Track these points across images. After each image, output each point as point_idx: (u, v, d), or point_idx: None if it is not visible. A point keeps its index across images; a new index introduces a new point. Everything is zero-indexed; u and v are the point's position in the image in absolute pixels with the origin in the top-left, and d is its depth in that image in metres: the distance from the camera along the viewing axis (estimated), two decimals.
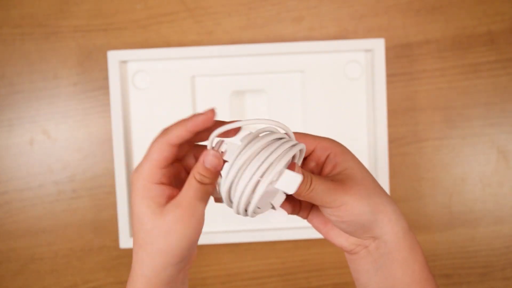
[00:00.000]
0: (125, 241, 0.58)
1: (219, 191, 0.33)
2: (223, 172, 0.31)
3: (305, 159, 0.37)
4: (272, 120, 0.32)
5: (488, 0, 0.63)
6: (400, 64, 0.63)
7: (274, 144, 0.31)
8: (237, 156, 0.30)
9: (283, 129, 0.33)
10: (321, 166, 0.37)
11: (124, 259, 0.64)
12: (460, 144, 0.64)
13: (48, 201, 0.63)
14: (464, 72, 0.63)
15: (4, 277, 0.63)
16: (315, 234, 0.60)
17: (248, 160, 0.30)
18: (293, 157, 0.33)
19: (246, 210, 0.32)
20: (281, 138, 0.32)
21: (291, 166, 0.32)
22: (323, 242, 0.64)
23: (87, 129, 0.63)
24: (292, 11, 0.62)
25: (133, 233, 0.33)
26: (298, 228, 0.60)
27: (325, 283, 0.65)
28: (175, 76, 0.59)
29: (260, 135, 0.32)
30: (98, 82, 0.62)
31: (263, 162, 0.30)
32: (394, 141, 0.63)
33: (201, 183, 0.32)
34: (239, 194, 0.30)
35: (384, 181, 0.58)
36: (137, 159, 0.60)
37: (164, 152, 0.31)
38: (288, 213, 0.37)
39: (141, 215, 0.31)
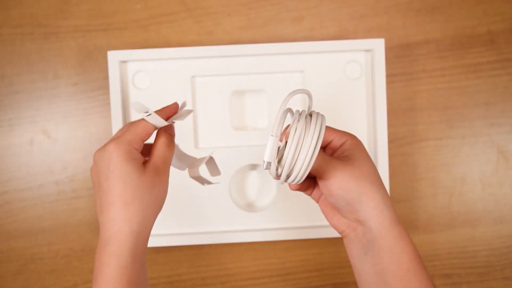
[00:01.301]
0: None
1: (278, 167, 0.37)
2: (285, 150, 0.36)
3: (324, 148, 0.41)
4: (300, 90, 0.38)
5: (488, 0, 0.63)
6: (400, 64, 0.63)
7: (312, 120, 0.37)
8: (293, 135, 0.36)
9: (307, 94, 0.39)
10: (334, 152, 0.41)
11: None
12: (460, 144, 0.64)
13: (48, 201, 0.63)
14: (464, 72, 0.63)
15: (4, 277, 0.63)
16: (315, 234, 0.60)
17: (301, 137, 0.36)
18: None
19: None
20: (308, 114, 0.38)
21: None
22: (323, 242, 0.64)
23: (87, 129, 0.63)
24: (292, 11, 0.62)
25: (111, 195, 0.36)
26: (298, 228, 0.60)
27: (325, 283, 0.65)
28: (175, 76, 0.59)
29: (293, 114, 0.38)
30: (98, 82, 0.62)
31: (313, 136, 0.36)
32: (394, 141, 0.63)
33: (168, 146, 0.39)
34: (301, 162, 0.36)
35: (384, 181, 0.58)
36: None
37: (149, 130, 0.38)
38: (296, 189, 0.42)
39: (128, 174, 0.36)
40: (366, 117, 0.60)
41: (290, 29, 0.62)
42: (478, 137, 0.64)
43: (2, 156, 0.63)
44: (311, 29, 0.63)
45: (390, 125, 0.63)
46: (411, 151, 0.64)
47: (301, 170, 0.36)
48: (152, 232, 0.60)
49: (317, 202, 0.43)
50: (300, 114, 0.37)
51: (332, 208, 0.41)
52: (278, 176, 0.37)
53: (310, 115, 0.38)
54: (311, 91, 0.60)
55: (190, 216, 0.60)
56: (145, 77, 0.59)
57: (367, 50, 0.59)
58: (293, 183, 0.37)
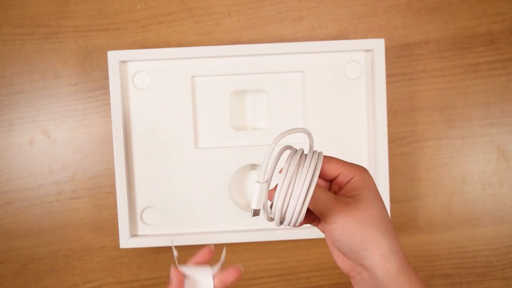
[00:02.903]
0: (125, 241, 0.58)
1: (269, 211, 0.36)
2: (275, 193, 0.34)
3: (330, 182, 0.39)
4: (299, 128, 0.36)
5: (488, 0, 0.63)
6: (400, 64, 0.63)
7: (306, 160, 0.34)
8: (284, 177, 0.34)
9: (306, 134, 0.36)
10: (341, 188, 0.38)
11: (124, 259, 0.64)
12: (460, 144, 0.64)
13: (48, 201, 0.63)
14: (464, 72, 0.63)
15: (4, 277, 0.63)
16: (315, 234, 0.60)
17: (292, 179, 0.34)
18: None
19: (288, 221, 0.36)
20: (303, 153, 0.35)
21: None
22: (323, 242, 0.64)
23: (87, 129, 0.63)
24: (292, 11, 0.62)
25: None
26: (298, 228, 0.60)
27: (325, 283, 0.65)
28: (175, 76, 0.59)
29: (287, 155, 0.36)
30: (98, 82, 0.62)
31: (305, 178, 0.33)
32: (394, 141, 0.63)
33: None
34: (293, 207, 0.34)
35: (384, 181, 0.58)
36: (137, 159, 0.60)
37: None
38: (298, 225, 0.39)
39: None
40: (366, 117, 0.60)
41: (290, 29, 0.62)
42: (478, 137, 0.64)
43: (2, 156, 0.63)
44: (311, 29, 0.63)
45: (390, 125, 0.63)
46: (411, 151, 0.64)
47: (293, 216, 0.34)
48: (152, 232, 0.60)
49: (324, 233, 0.41)
50: (295, 153, 0.35)
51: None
52: (271, 219, 0.36)
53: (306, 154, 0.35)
54: (311, 91, 0.60)
55: (190, 216, 0.60)
56: (145, 77, 0.59)
57: (367, 50, 0.59)
58: (290, 226, 0.35)
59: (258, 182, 0.34)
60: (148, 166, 0.60)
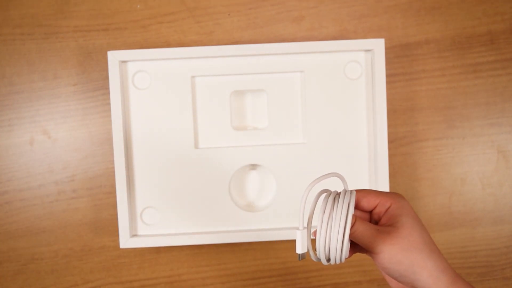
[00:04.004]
0: (125, 241, 0.58)
1: (314, 253, 0.39)
2: (317, 235, 0.37)
3: (370, 213, 0.41)
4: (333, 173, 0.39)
5: (488, 0, 0.63)
6: (400, 64, 0.63)
7: (339, 199, 0.37)
8: (322, 220, 0.37)
9: (339, 177, 0.39)
10: (380, 217, 0.40)
11: (124, 259, 0.64)
12: (460, 144, 0.64)
13: (48, 201, 0.63)
14: (464, 72, 0.63)
15: (4, 277, 0.63)
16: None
17: (330, 218, 0.37)
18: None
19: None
20: (338, 193, 0.39)
21: None
22: None
23: (87, 129, 0.63)
24: (292, 11, 0.62)
25: None
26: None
27: (325, 283, 0.65)
28: (175, 76, 0.59)
29: (323, 200, 0.38)
30: (98, 82, 0.62)
31: (340, 218, 0.36)
32: (394, 141, 0.63)
33: None
34: (334, 244, 0.36)
35: (384, 181, 0.58)
36: (137, 159, 0.60)
37: None
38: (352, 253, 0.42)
39: None
40: (366, 117, 0.60)
41: (290, 29, 0.62)
42: (478, 137, 0.64)
43: (2, 156, 0.63)
44: (311, 29, 0.63)
45: (390, 125, 0.63)
46: (411, 151, 0.64)
47: (337, 252, 0.36)
48: (152, 232, 0.60)
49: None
50: (330, 195, 0.38)
51: None
52: (319, 259, 0.38)
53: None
54: (311, 91, 0.60)
55: (190, 216, 0.60)
56: (145, 77, 0.59)
57: (367, 50, 0.59)
58: (338, 262, 0.38)
59: (298, 229, 0.37)
60: (148, 166, 0.60)
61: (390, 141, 0.63)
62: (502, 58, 0.63)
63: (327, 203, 0.37)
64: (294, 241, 0.64)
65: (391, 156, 0.63)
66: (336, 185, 0.43)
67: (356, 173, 0.60)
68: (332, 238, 0.36)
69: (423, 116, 0.63)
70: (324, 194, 0.38)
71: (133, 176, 0.60)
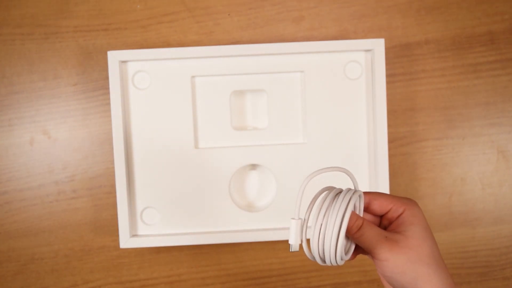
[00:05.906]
0: (125, 241, 0.58)
1: (309, 251, 0.37)
2: (310, 231, 0.35)
3: (381, 217, 0.40)
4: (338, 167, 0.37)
5: (488, 0, 0.63)
6: (400, 64, 0.63)
7: (339, 197, 0.35)
8: (317, 214, 0.35)
9: (346, 173, 0.37)
10: (390, 223, 0.39)
11: (124, 259, 0.64)
12: (460, 144, 0.64)
13: (48, 201, 0.63)
14: (464, 72, 0.63)
15: (4, 277, 0.63)
16: None
17: (325, 216, 0.34)
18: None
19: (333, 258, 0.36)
20: (340, 192, 0.36)
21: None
22: None
23: (87, 129, 0.63)
24: (292, 11, 0.62)
25: None
26: None
27: (325, 283, 0.65)
28: (175, 76, 0.59)
29: (323, 195, 0.36)
30: (98, 82, 0.62)
31: (336, 216, 0.34)
32: (394, 141, 0.63)
33: None
34: (328, 243, 0.34)
35: (384, 181, 0.58)
36: (137, 159, 0.60)
37: None
38: (351, 259, 0.40)
39: None
40: (366, 117, 0.60)
41: (290, 29, 0.62)
42: (478, 137, 0.64)
43: (2, 156, 0.63)
44: (311, 29, 0.63)
45: (390, 125, 0.63)
46: (411, 151, 0.64)
47: (330, 252, 0.34)
48: (153, 232, 0.60)
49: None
50: (331, 192, 0.36)
51: None
52: (314, 257, 0.36)
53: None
54: (311, 91, 0.60)
55: (190, 216, 0.60)
56: (145, 77, 0.59)
57: (367, 50, 0.59)
58: (333, 263, 0.36)
59: (293, 218, 0.35)
60: (148, 166, 0.60)
61: (390, 141, 0.63)
62: (502, 58, 0.63)
63: (326, 199, 0.35)
64: None
65: (391, 156, 0.63)
66: (347, 186, 0.41)
67: (356, 173, 0.60)
68: (326, 237, 0.34)
69: (423, 116, 0.63)
70: (328, 191, 0.36)
71: (133, 176, 0.60)
